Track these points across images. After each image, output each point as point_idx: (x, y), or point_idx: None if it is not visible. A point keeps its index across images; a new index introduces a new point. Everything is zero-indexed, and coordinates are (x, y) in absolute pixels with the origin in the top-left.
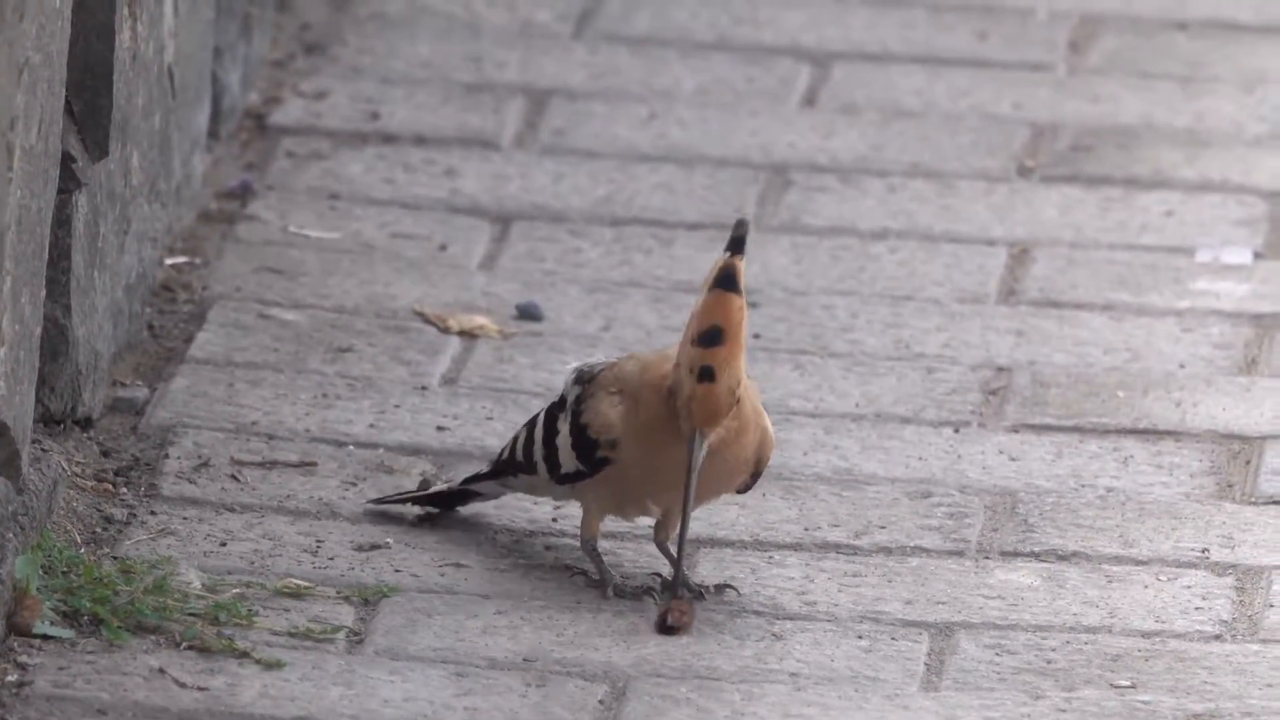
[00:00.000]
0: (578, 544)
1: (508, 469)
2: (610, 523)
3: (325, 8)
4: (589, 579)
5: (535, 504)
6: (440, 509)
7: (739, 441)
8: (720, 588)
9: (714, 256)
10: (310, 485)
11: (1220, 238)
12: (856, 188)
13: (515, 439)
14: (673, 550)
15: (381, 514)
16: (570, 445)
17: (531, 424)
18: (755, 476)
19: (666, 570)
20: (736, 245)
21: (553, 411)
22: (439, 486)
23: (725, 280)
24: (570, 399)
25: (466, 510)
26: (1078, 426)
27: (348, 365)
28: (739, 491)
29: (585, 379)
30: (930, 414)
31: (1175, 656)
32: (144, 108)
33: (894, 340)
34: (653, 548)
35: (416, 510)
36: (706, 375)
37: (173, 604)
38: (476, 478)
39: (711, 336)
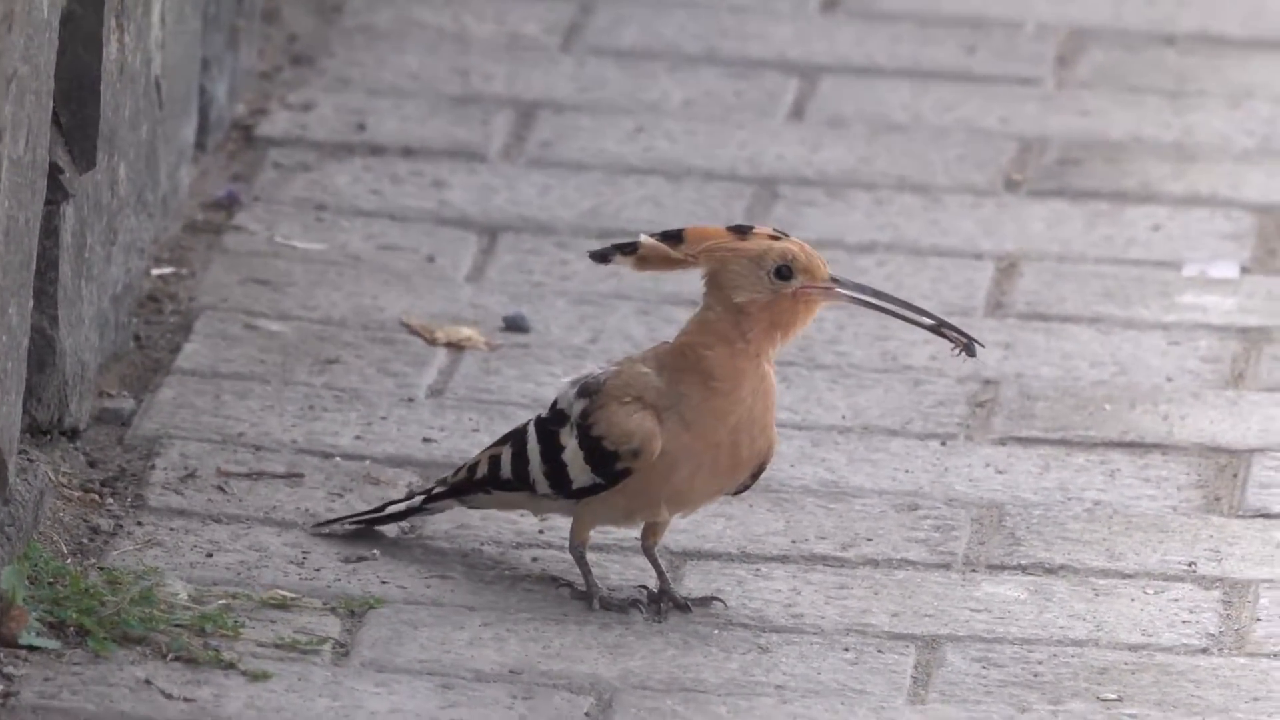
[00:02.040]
0: (565, 555)
1: (479, 486)
2: (596, 535)
3: (313, 19)
4: (574, 590)
5: (520, 516)
6: (373, 525)
7: (768, 409)
8: (706, 600)
9: (699, 269)
10: (297, 496)
11: (1208, 252)
12: (844, 201)
13: (496, 458)
14: (660, 560)
15: (367, 527)
16: (584, 460)
17: (518, 441)
18: (755, 476)
19: (653, 583)
20: (624, 246)
21: (547, 427)
22: (395, 507)
23: (672, 231)
24: (574, 413)
25: (422, 520)
26: (1065, 439)
27: (334, 377)
28: (735, 493)
29: (591, 391)
30: (917, 426)
31: (1162, 670)
32: (131, 119)
33: (881, 353)
34: (641, 560)
35: (403, 525)
36: (781, 233)
37: (159, 615)
38: (433, 496)
39: (743, 226)
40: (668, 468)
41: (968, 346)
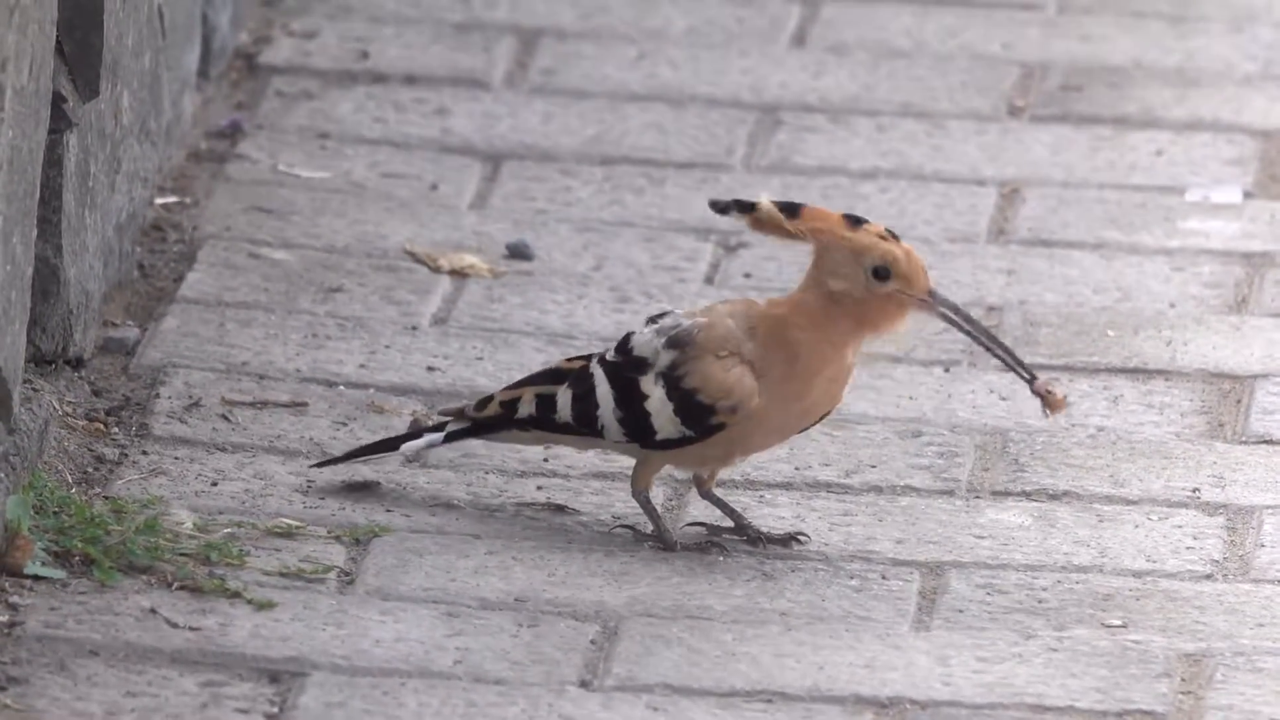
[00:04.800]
0: (569, 483)
1: (517, 425)
2: (599, 462)
3: None
4: (638, 533)
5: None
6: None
7: (842, 390)
8: (788, 538)
9: (704, 197)
10: (301, 425)
11: (1210, 177)
12: (846, 127)
13: (549, 398)
14: (721, 497)
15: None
16: (673, 412)
17: (580, 384)
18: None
19: (725, 522)
20: (742, 204)
21: (622, 373)
22: (412, 444)
23: (792, 204)
24: (660, 363)
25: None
26: (1068, 365)
27: (338, 305)
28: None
29: (681, 342)
30: (921, 353)
31: (1166, 596)
32: (134, 47)
33: None
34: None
35: (419, 444)
36: (894, 235)
37: (164, 544)
38: (453, 435)
39: (857, 217)
40: (755, 425)
41: (1033, 383)
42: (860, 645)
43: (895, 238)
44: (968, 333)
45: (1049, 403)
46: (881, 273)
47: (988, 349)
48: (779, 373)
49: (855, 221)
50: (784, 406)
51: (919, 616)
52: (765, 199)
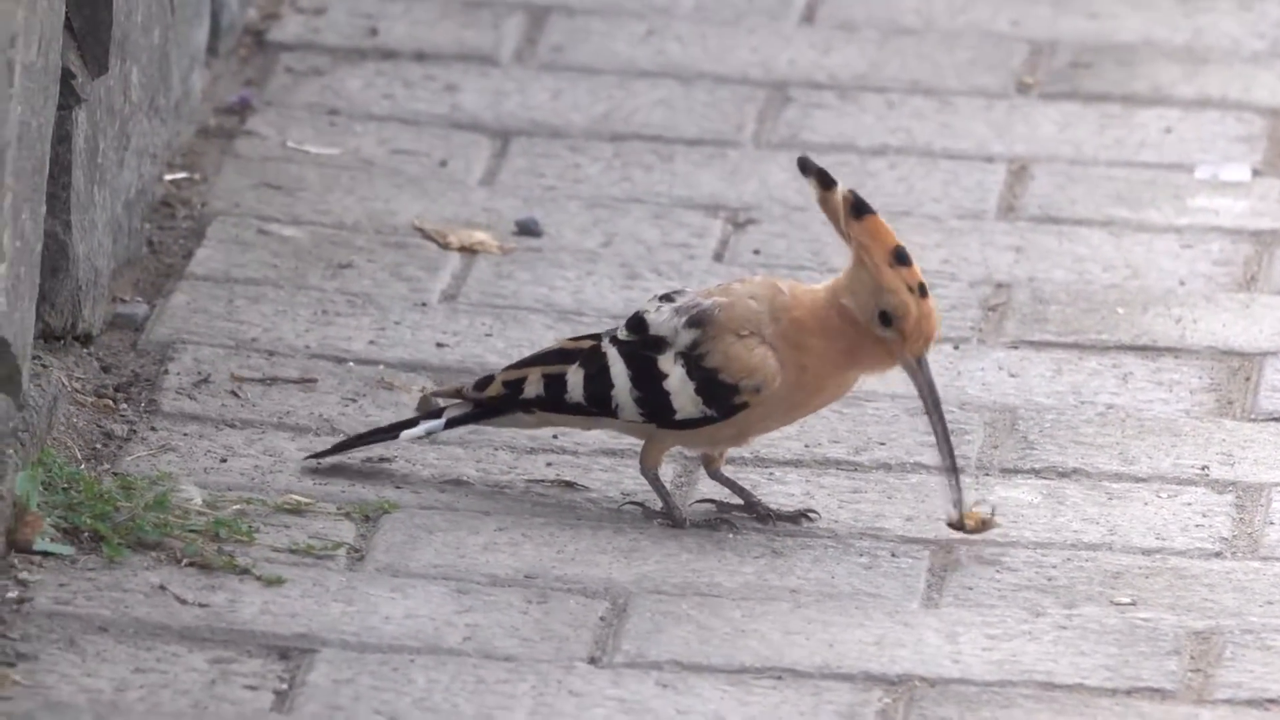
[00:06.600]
0: (579, 460)
1: (521, 406)
2: (608, 439)
3: None
4: (647, 510)
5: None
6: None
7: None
8: (798, 515)
9: (713, 174)
10: (310, 401)
11: (1219, 154)
12: (855, 104)
13: (558, 378)
14: (730, 476)
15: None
16: (694, 391)
17: (592, 363)
18: None
19: (735, 500)
20: (826, 177)
21: (639, 351)
22: (411, 432)
23: (864, 206)
24: (680, 342)
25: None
26: (1077, 343)
27: (347, 281)
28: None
29: (701, 321)
30: None
31: (1175, 574)
32: (143, 24)
33: None
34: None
35: (418, 431)
36: (924, 291)
37: (173, 520)
38: (453, 421)
39: (904, 255)
40: (773, 405)
41: (957, 504)
42: (870, 623)
43: (925, 294)
44: (929, 416)
45: (964, 528)
46: (886, 319)
47: (937, 444)
48: (792, 373)
49: (901, 259)
50: (793, 401)
51: (928, 594)
52: (845, 188)
